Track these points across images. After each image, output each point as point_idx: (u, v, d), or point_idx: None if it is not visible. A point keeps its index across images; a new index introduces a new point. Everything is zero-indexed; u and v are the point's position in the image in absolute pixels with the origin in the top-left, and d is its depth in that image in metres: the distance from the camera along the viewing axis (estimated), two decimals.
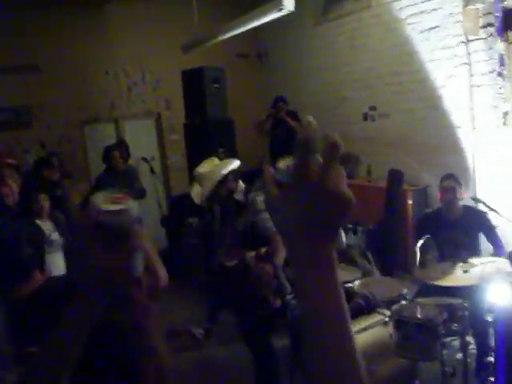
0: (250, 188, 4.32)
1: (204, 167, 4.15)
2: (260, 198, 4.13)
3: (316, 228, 0.73)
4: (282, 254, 3.98)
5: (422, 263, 4.50)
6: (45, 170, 6.60)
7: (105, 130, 8.58)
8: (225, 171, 4.09)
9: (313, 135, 0.73)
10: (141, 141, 8.76)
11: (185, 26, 8.51)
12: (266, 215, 3.86)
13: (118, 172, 6.77)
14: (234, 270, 4.10)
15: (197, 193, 4.23)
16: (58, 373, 0.96)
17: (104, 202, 0.98)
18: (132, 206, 1.00)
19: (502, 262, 3.79)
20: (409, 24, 6.72)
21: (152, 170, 7.60)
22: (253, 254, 3.99)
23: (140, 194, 7.05)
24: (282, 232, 0.78)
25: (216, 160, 4.30)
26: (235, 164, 4.24)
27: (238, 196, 4.21)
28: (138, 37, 8.53)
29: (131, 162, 7.63)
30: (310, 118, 0.77)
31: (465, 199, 4.57)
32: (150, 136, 9.08)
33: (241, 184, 4.26)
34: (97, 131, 8.50)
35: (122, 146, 7.45)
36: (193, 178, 6.79)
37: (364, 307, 3.30)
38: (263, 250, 4.03)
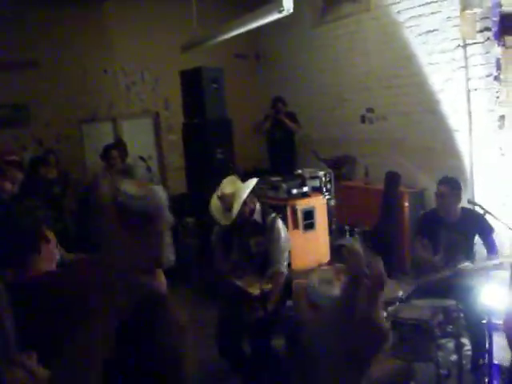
0: (267, 210, 4.34)
1: (228, 187, 4.14)
2: (279, 223, 4.21)
3: (354, 357, 0.73)
4: (279, 291, 4.06)
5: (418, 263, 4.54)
6: (42, 167, 6.60)
7: (103, 128, 8.59)
8: (248, 191, 4.13)
9: (363, 270, 0.72)
10: (139, 140, 8.76)
11: (184, 26, 8.51)
12: (281, 244, 4.14)
13: (115, 171, 6.78)
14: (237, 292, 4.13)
15: (221, 213, 4.18)
16: (86, 373, 0.94)
17: (129, 187, 0.98)
18: (158, 191, 1.00)
19: (495, 264, 3.82)
20: (407, 27, 6.75)
21: (149, 169, 7.60)
22: (258, 291, 4.00)
23: None
24: (313, 351, 0.77)
25: (236, 180, 4.29)
26: (253, 183, 4.26)
27: (256, 217, 4.22)
28: (137, 36, 8.54)
29: (129, 160, 7.64)
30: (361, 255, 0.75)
31: (462, 201, 4.60)
32: (148, 135, 9.09)
33: (258, 205, 4.28)
34: (95, 130, 8.51)
35: (120, 145, 7.46)
36: (191, 178, 6.81)
37: None
38: (269, 286, 4.05)
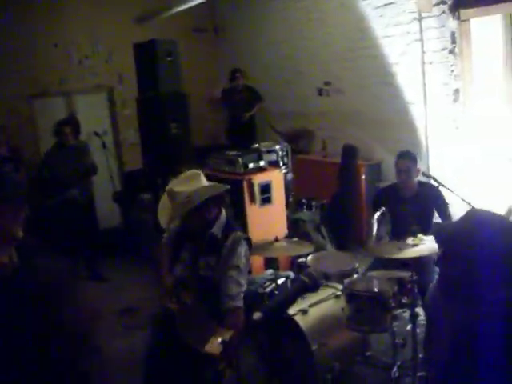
0: (231, 226, 3.32)
1: (181, 184, 3.21)
2: (243, 246, 3.21)
3: None
4: (238, 336, 2.99)
5: (377, 237, 4.57)
6: None
7: (55, 104, 8.34)
8: (204, 197, 3.14)
9: None
10: (93, 115, 8.55)
11: None
12: (240, 274, 3.13)
13: (68, 148, 6.61)
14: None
15: (164, 213, 3.30)
16: None
17: None
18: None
19: None
20: (364, 0, 6.72)
21: (104, 145, 7.45)
22: (219, 348, 2.79)
23: (91, 170, 6.91)
24: None
25: (200, 176, 3.29)
26: (220, 189, 3.31)
27: (215, 229, 3.24)
28: (88, 7, 8.28)
29: (82, 137, 7.46)
30: None
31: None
32: (102, 110, 8.88)
33: (223, 216, 3.30)
34: (46, 105, 8.25)
35: (72, 120, 7.26)
36: (146, 154, 6.67)
37: (309, 285, 3.28)
38: (229, 333, 2.84)
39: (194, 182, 3.21)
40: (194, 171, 3.31)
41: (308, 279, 3.20)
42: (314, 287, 3.27)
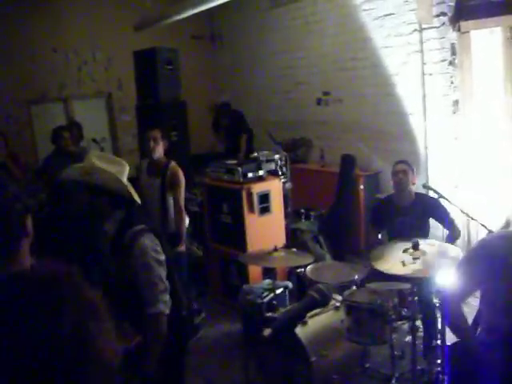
0: (128, 221, 2.81)
1: (101, 159, 2.82)
2: (148, 243, 2.74)
3: None
4: (159, 344, 2.68)
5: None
6: None
7: (53, 109, 8.33)
8: (101, 181, 2.74)
9: None
10: (91, 121, 8.53)
11: (137, 4, 8.33)
12: (150, 273, 2.70)
13: (67, 154, 6.56)
14: None
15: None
16: None
17: None
18: None
19: (448, 247, 3.84)
20: (364, 10, 6.74)
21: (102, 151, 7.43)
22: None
23: None
24: None
25: (123, 168, 2.89)
26: (125, 192, 2.82)
27: (108, 227, 2.82)
28: (88, 13, 8.28)
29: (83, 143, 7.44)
30: None
31: (416, 186, 4.63)
32: (101, 117, 8.87)
33: (120, 213, 2.82)
34: (45, 111, 8.24)
35: (73, 126, 7.23)
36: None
37: (318, 301, 3.24)
38: (137, 338, 2.58)
39: (114, 166, 2.82)
40: (124, 162, 2.93)
41: (317, 294, 3.15)
42: (323, 303, 3.23)
